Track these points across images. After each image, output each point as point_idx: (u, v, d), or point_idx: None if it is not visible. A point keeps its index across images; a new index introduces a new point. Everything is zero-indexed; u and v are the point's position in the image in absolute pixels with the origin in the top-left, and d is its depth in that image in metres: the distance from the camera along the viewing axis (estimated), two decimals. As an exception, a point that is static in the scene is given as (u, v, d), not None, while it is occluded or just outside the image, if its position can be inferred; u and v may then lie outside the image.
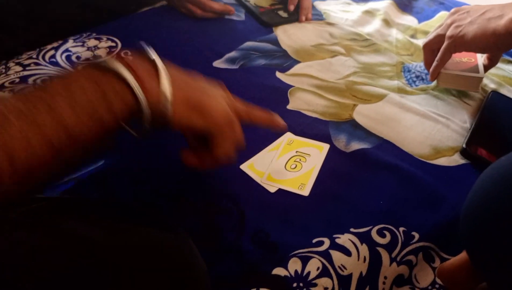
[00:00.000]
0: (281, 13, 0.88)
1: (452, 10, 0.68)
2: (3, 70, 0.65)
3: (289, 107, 0.65)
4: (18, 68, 0.65)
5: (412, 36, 0.88)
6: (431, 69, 0.69)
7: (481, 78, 0.68)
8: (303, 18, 0.87)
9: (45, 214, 0.34)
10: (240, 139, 0.46)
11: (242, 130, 0.46)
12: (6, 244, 0.29)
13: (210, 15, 0.85)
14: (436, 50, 0.69)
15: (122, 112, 0.36)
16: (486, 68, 0.70)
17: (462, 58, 0.71)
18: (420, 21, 0.93)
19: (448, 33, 0.64)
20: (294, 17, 0.87)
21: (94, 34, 0.76)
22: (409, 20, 0.93)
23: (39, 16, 0.74)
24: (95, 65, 0.38)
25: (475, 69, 0.69)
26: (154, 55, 0.41)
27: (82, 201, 0.39)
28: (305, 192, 0.51)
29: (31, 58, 0.68)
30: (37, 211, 0.34)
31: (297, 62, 0.76)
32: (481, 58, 0.71)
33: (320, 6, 0.96)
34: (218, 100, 0.44)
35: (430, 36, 0.69)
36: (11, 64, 0.66)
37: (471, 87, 0.69)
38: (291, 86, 0.69)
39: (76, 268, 0.29)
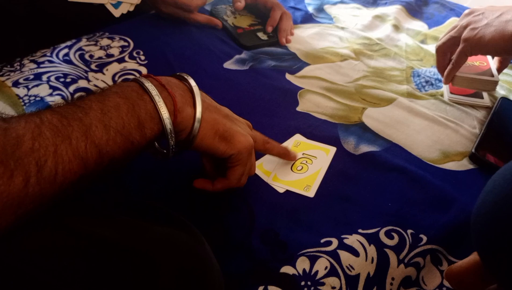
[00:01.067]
0: (261, 34, 0.83)
1: (466, 11, 0.67)
2: (18, 67, 0.66)
3: (298, 108, 0.66)
4: (33, 66, 0.66)
5: (422, 42, 0.88)
6: (445, 72, 0.68)
7: (496, 82, 0.68)
8: (283, 40, 0.82)
9: (60, 213, 0.34)
10: (254, 167, 0.50)
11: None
12: (23, 244, 0.30)
13: (198, 18, 0.85)
14: (449, 53, 0.68)
15: (152, 133, 0.38)
16: (498, 71, 0.69)
17: (474, 61, 0.71)
18: (430, 26, 0.93)
19: (464, 35, 0.63)
20: (274, 39, 0.82)
21: (107, 34, 0.77)
22: (419, 25, 0.93)
23: (51, 15, 0.75)
24: (131, 84, 0.39)
25: (489, 72, 0.69)
26: (190, 79, 0.43)
27: (97, 199, 0.40)
28: (311, 193, 0.52)
29: (45, 56, 0.69)
30: (53, 209, 0.34)
31: (307, 64, 0.76)
32: (492, 61, 0.71)
33: (330, 10, 0.97)
34: (243, 129, 0.47)
35: (443, 39, 0.68)
36: (25, 61, 0.67)
37: (486, 90, 0.70)
38: (301, 88, 0.70)
39: (93, 270, 0.30)
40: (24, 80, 0.63)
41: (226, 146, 0.44)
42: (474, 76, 0.68)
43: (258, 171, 0.54)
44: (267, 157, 0.56)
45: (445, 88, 0.72)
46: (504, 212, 0.28)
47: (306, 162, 0.56)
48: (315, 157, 0.57)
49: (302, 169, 0.55)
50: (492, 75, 0.68)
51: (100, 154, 0.34)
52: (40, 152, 0.30)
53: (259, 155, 0.56)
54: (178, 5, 0.81)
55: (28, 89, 0.62)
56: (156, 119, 0.38)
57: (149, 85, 0.39)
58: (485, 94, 0.71)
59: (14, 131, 0.29)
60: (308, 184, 0.53)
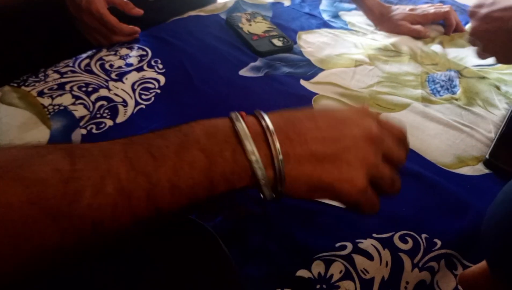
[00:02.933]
0: (275, 41, 0.84)
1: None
2: (42, 78, 0.69)
3: (313, 115, 0.67)
4: (56, 76, 0.69)
5: (439, 44, 0.88)
6: None
7: None
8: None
9: None
10: (397, 157, 0.39)
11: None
12: None
13: (120, 39, 0.79)
14: None
15: (222, 191, 0.32)
16: None
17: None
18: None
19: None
20: (289, 44, 0.83)
21: (126, 44, 0.79)
22: (436, 29, 0.93)
23: (72, 27, 0.78)
24: (222, 129, 0.32)
25: None
26: (266, 118, 0.34)
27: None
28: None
29: (67, 66, 0.72)
30: None
31: (321, 70, 0.77)
32: None
33: (345, 16, 0.98)
34: (350, 165, 0.34)
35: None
36: (49, 71, 0.70)
37: None
38: (316, 94, 0.71)
39: (112, 271, 0.31)
40: (49, 90, 0.66)
41: (328, 195, 0.35)
42: None
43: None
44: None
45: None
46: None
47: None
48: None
49: None
50: None
51: (157, 214, 0.30)
52: (98, 211, 0.26)
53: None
54: (102, 21, 0.74)
55: (53, 99, 0.64)
56: (230, 182, 0.32)
57: (244, 134, 0.32)
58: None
59: (77, 182, 0.26)
60: None
